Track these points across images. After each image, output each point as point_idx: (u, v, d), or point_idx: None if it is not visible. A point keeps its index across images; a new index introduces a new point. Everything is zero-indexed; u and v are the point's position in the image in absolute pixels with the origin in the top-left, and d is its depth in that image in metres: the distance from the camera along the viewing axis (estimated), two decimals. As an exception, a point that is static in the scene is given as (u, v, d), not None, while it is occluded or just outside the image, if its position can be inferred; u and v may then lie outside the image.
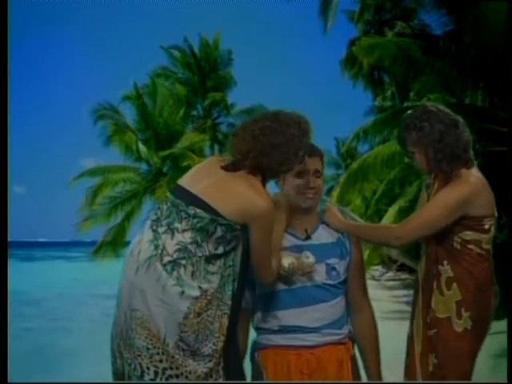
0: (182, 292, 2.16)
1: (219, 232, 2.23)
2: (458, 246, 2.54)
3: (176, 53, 25.77)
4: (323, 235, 2.56)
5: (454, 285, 2.52)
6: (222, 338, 2.24)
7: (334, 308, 2.51)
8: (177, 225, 2.24)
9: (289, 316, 2.47)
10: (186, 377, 2.18)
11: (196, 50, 25.75)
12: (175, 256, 2.20)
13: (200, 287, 2.20)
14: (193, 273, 2.20)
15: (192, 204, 2.25)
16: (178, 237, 2.22)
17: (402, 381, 2.64)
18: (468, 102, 10.89)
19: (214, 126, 25.74)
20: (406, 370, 2.61)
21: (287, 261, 2.42)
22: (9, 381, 2.27)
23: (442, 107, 2.67)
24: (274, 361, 2.46)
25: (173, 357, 2.17)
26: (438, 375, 2.51)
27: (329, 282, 2.50)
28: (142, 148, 21.03)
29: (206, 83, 25.52)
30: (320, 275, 2.49)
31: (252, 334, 2.59)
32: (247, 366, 2.56)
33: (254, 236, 2.28)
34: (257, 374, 2.49)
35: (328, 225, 2.58)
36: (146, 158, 21.31)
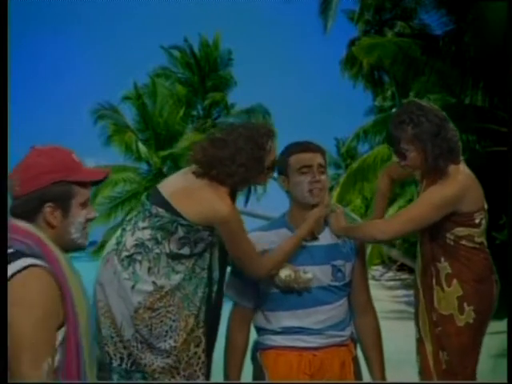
0: (133, 286, 2.26)
1: (181, 232, 2.30)
2: (452, 243, 2.54)
3: (176, 53, 25.75)
4: (330, 236, 2.54)
5: (454, 281, 2.52)
6: (184, 336, 2.31)
7: (337, 310, 2.50)
8: (140, 223, 2.35)
9: (292, 317, 2.46)
10: (143, 368, 2.27)
11: (196, 50, 25.73)
12: (132, 251, 2.30)
13: (154, 283, 2.28)
14: (149, 268, 2.28)
15: (156, 204, 2.33)
16: (138, 233, 2.32)
17: (402, 380, 2.64)
18: (468, 102, 10.88)
19: (214, 126, 25.69)
20: (421, 371, 2.60)
21: (284, 273, 2.42)
22: (9, 381, 2.26)
23: (426, 102, 2.64)
24: (276, 361, 2.45)
25: (128, 347, 2.27)
26: (449, 372, 2.51)
27: (334, 283, 2.49)
28: (142, 148, 21.05)
29: (206, 83, 25.49)
30: (326, 276, 2.47)
31: (253, 334, 2.59)
32: (248, 365, 2.56)
33: (226, 240, 2.35)
34: (258, 373, 2.49)
35: (330, 226, 2.55)
36: (146, 158, 21.33)
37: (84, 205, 1.82)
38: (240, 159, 2.34)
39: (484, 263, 2.56)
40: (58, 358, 1.65)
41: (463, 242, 2.53)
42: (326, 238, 2.54)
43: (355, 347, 2.56)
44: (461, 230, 2.52)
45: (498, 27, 8.57)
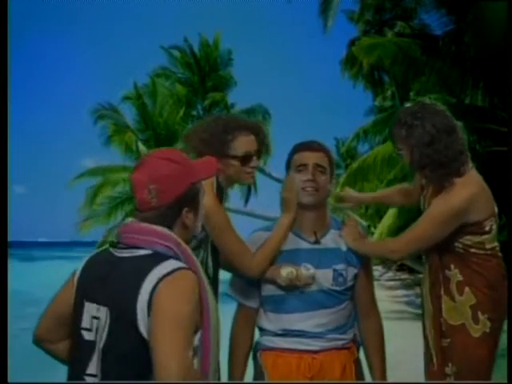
0: None
1: None
2: (461, 251, 2.48)
3: (176, 53, 25.73)
4: (333, 241, 2.52)
5: (467, 289, 2.46)
6: None
7: (338, 314, 2.48)
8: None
9: (293, 320, 2.45)
10: None
11: (196, 50, 25.71)
12: None
13: None
14: None
15: None
16: None
17: (402, 380, 2.63)
18: (468, 102, 10.87)
19: (214, 125, 25.68)
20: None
21: (286, 270, 2.42)
22: (9, 381, 2.27)
23: (441, 108, 2.56)
24: (275, 363, 2.45)
25: None
26: None
27: (335, 288, 2.47)
28: (142, 148, 21.02)
29: (206, 83, 25.47)
30: (327, 280, 2.46)
31: (257, 334, 2.59)
32: (249, 364, 2.57)
33: (212, 236, 2.38)
34: (258, 373, 2.49)
35: (343, 239, 2.53)
36: (146, 158, 21.30)
37: (203, 199, 1.86)
38: (205, 135, 2.44)
39: (496, 269, 2.48)
40: (195, 361, 1.68)
41: (473, 249, 2.47)
42: (328, 241, 2.52)
43: (358, 349, 2.54)
44: (470, 239, 2.47)
45: (498, 27, 8.56)
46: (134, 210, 1.79)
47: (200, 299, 1.68)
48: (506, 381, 2.52)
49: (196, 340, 1.67)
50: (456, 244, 2.48)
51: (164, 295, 1.60)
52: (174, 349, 1.54)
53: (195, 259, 1.74)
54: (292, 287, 2.43)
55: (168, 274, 1.63)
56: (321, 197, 2.48)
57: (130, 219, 1.79)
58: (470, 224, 2.45)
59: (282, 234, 2.48)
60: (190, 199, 1.78)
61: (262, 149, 2.57)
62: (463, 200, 2.43)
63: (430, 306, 2.55)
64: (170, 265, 1.65)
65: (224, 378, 2.51)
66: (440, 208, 2.44)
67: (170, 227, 1.75)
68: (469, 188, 2.45)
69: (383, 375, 2.56)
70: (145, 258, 1.68)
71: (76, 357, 1.74)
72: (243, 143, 2.47)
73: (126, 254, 1.72)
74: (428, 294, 2.57)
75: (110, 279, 1.70)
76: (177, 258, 1.70)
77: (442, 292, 2.51)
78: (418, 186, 2.73)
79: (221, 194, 2.45)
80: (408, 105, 2.64)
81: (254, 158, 2.50)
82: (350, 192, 2.89)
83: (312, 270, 2.42)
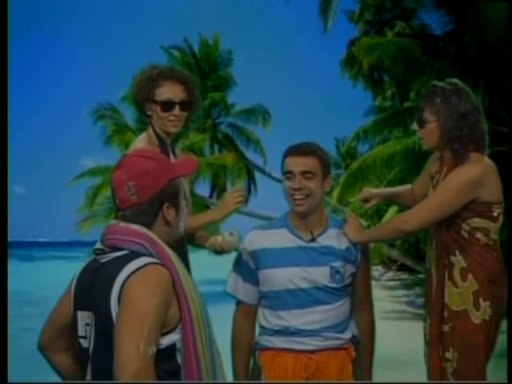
0: None
1: None
2: (466, 235, 2.49)
3: (176, 53, 25.73)
4: (331, 239, 2.52)
5: (470, 275, 2.47)
6: None
7: (336, 311, 2.48)
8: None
9: (289, 316, 2.45)
10: None
11: (196, 50, 25.73)
12: None
13: None
14: None
15: None
16: None
17: (403, 380, 2.63)
18: (468, 101, 10.86)
19: (214, 125, 25.69)
20: (431, 371, 2.54)
21: (213, 236, 2.56)
22: (9, 381, 2.27)
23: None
24: (272, 362, 2.46)
25: None
26: (459, 371, 2.46)
27: (332, 285, 2.47)
28: (142, 148, 21.03)
29: (206, 83, 25.47)
30: (323, 277, 2.46)
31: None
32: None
33: None
34: (257, 372, 2.50)
35: (347, 236, 2.53)
36: (146, 158, 21.28)
37: (184, 197, 1.88)
38: (137, 80, 2.71)
39: (496, 262, 2.51)
40: (179, 359, 1.69)
41: (478, 235, 2.48)
42: (325, 240, 2.51)
43: (356, 349, 2.53)
44: (477, 221, 2.47)
45: (498, 27, 8.57)
46: (116, 210, 1.80)
47: (177, 295, 1.69)
48: (506, 381, 2.52)
49: (175, 337, 1.68)
50: (463, 226, 2.48)
51: (130, 289, 1.62)
52: (129, 340, 1.55)
53: (171, 256, 1.74)
54: (218, 251, 2.54)
55: (137, 269, 1.65)
56: (312, 202, 2.46)
57: (112, 221, 1.80)
58: (481, 202, 2.47)
59: (202, 220, 2.65)
60: (170, 195, 1.79)
61: (192, 102, 2.69)
62: (478, 172, 2.47)
63: (433, 289, 2.55)
64: (140, 261, 1.67)
65: (229, 376, 2.52)
66: (456, 178, 2.47)
67: (151, 224, 1.76)
68: (484, 165, 2.51)
69: (369, 369, 2.57)
70: (120, 259, 1.71)
71: (80, 365, 1.78)
72: (166, 90, 2.64)
73: (106, 258, 1.74)
74: (434, 276, 2.56)
75: (92, 286, 1.73)
76: (150, 255, 1.71)
77: (446, 276, 2.51)
78: (425, 181, 2.74)
79: None
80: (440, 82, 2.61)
81: (177, 106, 2.64)
82: (370, 191, 2.87)
83: (235, 236, 2.49)
